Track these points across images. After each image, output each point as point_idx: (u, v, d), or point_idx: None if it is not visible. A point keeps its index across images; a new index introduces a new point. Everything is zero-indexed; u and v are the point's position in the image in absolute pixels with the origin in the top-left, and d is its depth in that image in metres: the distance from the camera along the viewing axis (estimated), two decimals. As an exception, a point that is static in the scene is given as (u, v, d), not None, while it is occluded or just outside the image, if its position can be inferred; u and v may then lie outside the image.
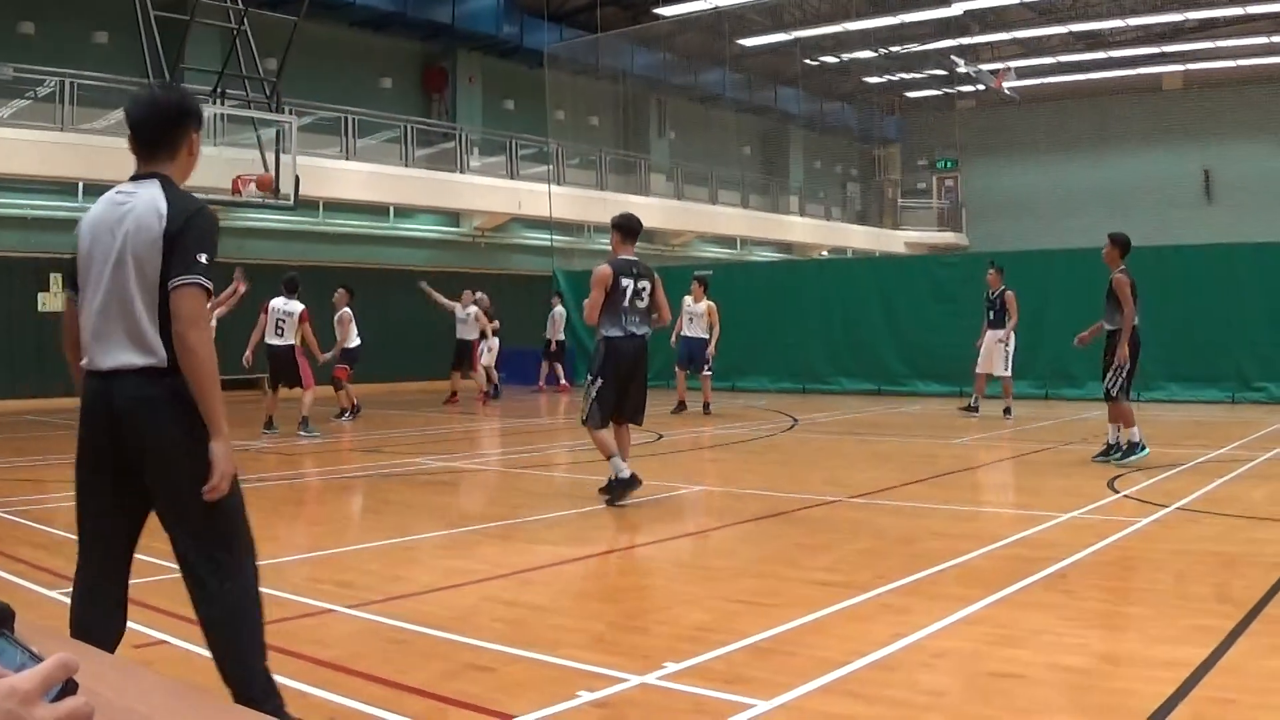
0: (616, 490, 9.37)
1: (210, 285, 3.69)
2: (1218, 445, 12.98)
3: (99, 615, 3.87)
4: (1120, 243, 11.66)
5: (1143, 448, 11.48)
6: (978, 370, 17.45)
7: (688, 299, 18.48)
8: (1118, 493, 9.76)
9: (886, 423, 17.50)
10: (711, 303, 18.54)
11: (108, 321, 3.77)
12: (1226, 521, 8.32)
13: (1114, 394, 11.52)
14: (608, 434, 9.53)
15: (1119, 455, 11.54)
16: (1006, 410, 17.10)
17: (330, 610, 5.89)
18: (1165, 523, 8.36)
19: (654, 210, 33.20)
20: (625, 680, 4.61)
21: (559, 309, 24.37)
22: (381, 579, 6.75)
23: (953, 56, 38.14)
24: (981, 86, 40.78)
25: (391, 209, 27.53)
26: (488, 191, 28.58)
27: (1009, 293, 16.91)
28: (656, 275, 9.89)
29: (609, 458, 9.45)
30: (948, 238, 44.48)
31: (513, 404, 21.43)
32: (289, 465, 12.70)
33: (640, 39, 33.74)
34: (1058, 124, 41.91)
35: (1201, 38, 35.59)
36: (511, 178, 29.70)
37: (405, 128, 27.60)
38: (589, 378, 9.67)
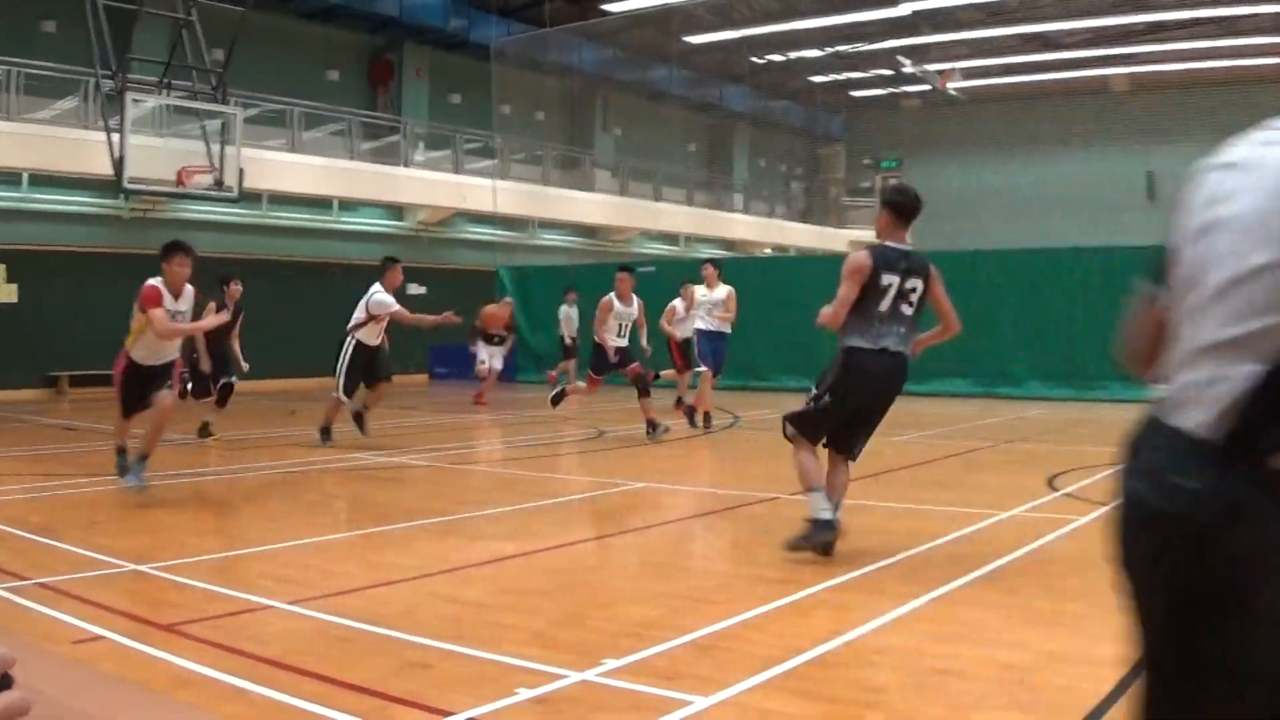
0: (813, 533, 7.01)
1: None
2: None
3: None
4: None
5: None
6: None
7: (699, 289, 16.82)
8: (1058, 491, 9.86)
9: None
10: (731, 287, 16.86)
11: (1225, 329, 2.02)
12: (1163, 520, 8.39)
13: None
14: (816, 459, 7.25)
15: None
16: None
17: (270, 606, 5.84)
18: (1105, 521, 8.43)
19: (598, 206, 33.25)
20: (565, 676, 4.60)
21: (564, 307, 23.16)
22: (321, 575, 6.70)
23: (899, 56, 38.33)
24: (927, 86, 41.01)
25: (336, 202, 27.32)
26: (432, 185, 28.43)
27: None
28: (934, 270, 7.39)
29: (808, 489, 7.12)
30: (891, 237, 44.61)
31: (474, 398, 21.27)
32: (234, 459, 12.57)
33: (588, 34, 33.63)
34: (1003, 125, 42.08)
35: (1150, 40, 35.96)
36: (456, 172, 29.54)
37: (351, 120, 27.42)
38: (812, 391, 7.31)
